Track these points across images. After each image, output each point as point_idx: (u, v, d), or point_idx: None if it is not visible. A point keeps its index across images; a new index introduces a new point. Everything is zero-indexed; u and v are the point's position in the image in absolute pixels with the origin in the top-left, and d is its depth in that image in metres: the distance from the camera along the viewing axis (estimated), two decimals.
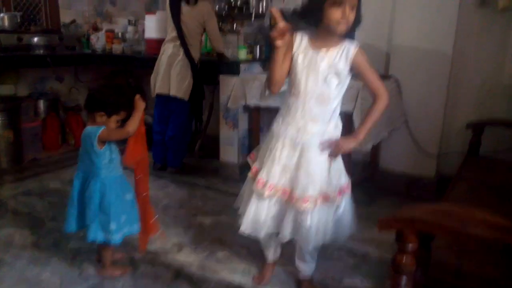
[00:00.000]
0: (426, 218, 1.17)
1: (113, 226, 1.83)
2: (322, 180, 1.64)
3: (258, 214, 1.67)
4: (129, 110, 1.81)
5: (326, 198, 1.65)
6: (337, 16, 1.48)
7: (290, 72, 1.64)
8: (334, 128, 1.66)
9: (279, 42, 1.48)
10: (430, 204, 1.32)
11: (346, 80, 1.61)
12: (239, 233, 1.71)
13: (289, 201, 1.64)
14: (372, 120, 1.64)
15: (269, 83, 1.65)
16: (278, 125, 1.69)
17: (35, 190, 2.98)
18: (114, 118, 1.81)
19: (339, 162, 1.69)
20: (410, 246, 1.20)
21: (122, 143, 1.90)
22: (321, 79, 1.57)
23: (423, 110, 3.00)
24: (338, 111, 1.67)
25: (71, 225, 1.90)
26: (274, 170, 1.65)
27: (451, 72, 2.91)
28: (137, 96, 1.83)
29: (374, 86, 1.62)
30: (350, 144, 1.63)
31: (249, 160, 1.83)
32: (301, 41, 1.62)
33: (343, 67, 1.57)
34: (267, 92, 1.70)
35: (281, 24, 1.45)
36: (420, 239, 1.21)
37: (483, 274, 1.34)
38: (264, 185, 1.65)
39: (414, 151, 3.07)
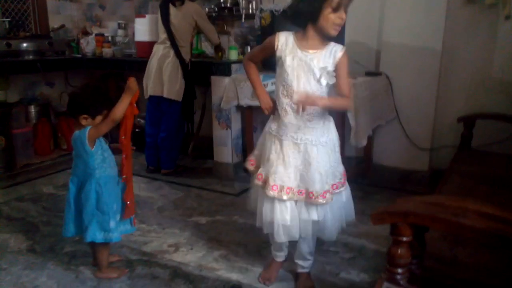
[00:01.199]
0: (419, 210, 1.19)
1: (112, 224, 1.84)
2: (329, 172, 1.67)
3: (284, 219, 1.66)
4: (111, 108, 1.81)
5: (337, 188, 1.71)
6: (335, 20, 1.52)
7: (279, 74, 1.67)
8: (323, 123, 1.68)
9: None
10: (423, 197, 1.34)
11: (333, 78, 1.63)
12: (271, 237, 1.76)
13: (307, 200, 1.65)
14: (335, 103, 1.64)
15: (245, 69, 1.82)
16: (276, 128, 1.70)
17: (28, 196, 2.97)
18: (99, 119, 1.81)
19: (337, 152, 1.73)
20: (405, 239, 1.22)
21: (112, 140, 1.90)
22: (314, 79, 1.60)
23: (415, 105, 3.03)
24: None
25: (70, 229, 1.89)
26: (288, 173, 1.65)
27: (441, 68, 2.95)
28: (131, 79, 1.81)
29: (345, 90, 1.63)
30: (317, 100, 1.56)
31: (249, 166, 1.83)
32: (286, 42, 1.63)
33: (331, 67, 1.60)
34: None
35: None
36: (414, 231, 1.22)
37: (478, 263, 1.36)
38: (281, 189, 1.64)
39: (407, 146, 3.10)
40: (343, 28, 2.74)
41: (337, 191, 1.71)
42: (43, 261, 2.10)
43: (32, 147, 3.66)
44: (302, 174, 1.66)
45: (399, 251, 1.23)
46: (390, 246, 1.25)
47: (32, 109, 3.81)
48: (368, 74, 2.99)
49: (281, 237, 1.70)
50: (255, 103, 2.99)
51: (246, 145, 3.31)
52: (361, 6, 3.06)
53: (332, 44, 1.62)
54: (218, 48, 3.42)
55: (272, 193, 1.65)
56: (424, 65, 2.94)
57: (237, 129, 3.28)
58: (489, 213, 1.14)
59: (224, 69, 3.15)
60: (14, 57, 3.58)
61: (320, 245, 2.05)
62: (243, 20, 3.59)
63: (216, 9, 3.67)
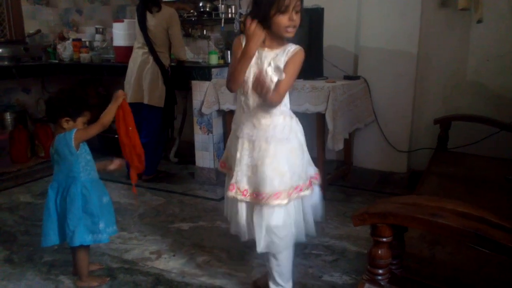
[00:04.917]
0: (398, 211, 1.21)
1: (102, 225, 1.84)
2: (291, 172, 1.61)
3: (239, 217, 1.65)
4: (90, 109, 1.85)
5: (300, 190, 1.64)
6: (285, 22, 1.52)
7: None
8: (283, 120, 1.63)
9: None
10: (402, 197, 1.37)
11: (283, 76, 1.57)
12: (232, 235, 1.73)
13: (259, 202, 1.58)
14: (268, 92, 1.50)
15: (232, 84, 1.61)
16: (235, 127, 1.70)
17: (5, 205, 2.89)
18: (80, 121, 1.82)
19: (305, 152, 1.70)
20: (385, 239, 1.24)
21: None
22: (267, 76, 1.55)
23: (392, 108, 3.09)
24: (287, 105, 1.66)
25: (51, 238, 1.83)
26: (241, 172, 1.63)
27: (417, 71, 3.02)
28: (120, 91, 1.88)
29: (280, 86, 1.56)
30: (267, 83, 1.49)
31: (220, 169, 1.85)
32: None
33: (282, 64, 1.57)
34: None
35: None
36: (394, 231, 1.25)
37: (456, 262, 1.40)
38: (237, 190, 1.63)
39: (386, 148, 3.15)
40: (320, 33, 2.77)
41: (301, 193, 1.64)
42: (21, 271, 2.05)
43: (8, 155, 3.57)
44: (254, 173, 1.61)
45: (379, 251, 1.25)
46: (371, 247, 1.27)
47: (8, 116, 3.74)
48: (347, 78, 3.04)
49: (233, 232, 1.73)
50: (236, 107, 2.99)
51: None
52: (338, 12, 3.12)
53: (290, 45, 1.60)
54: (181, 63, 3.29)
55: (230, 193, 1.64)
56: (401, 68, 3.01)
57: (218, 133, 3.28)
58: (465, 212, 1.17)
59: (205, 73, 3.15)
60: None
61: (303, 248, 2.06)
62: (222, 24, 3.60)
63: (196, 13, 3.67)
